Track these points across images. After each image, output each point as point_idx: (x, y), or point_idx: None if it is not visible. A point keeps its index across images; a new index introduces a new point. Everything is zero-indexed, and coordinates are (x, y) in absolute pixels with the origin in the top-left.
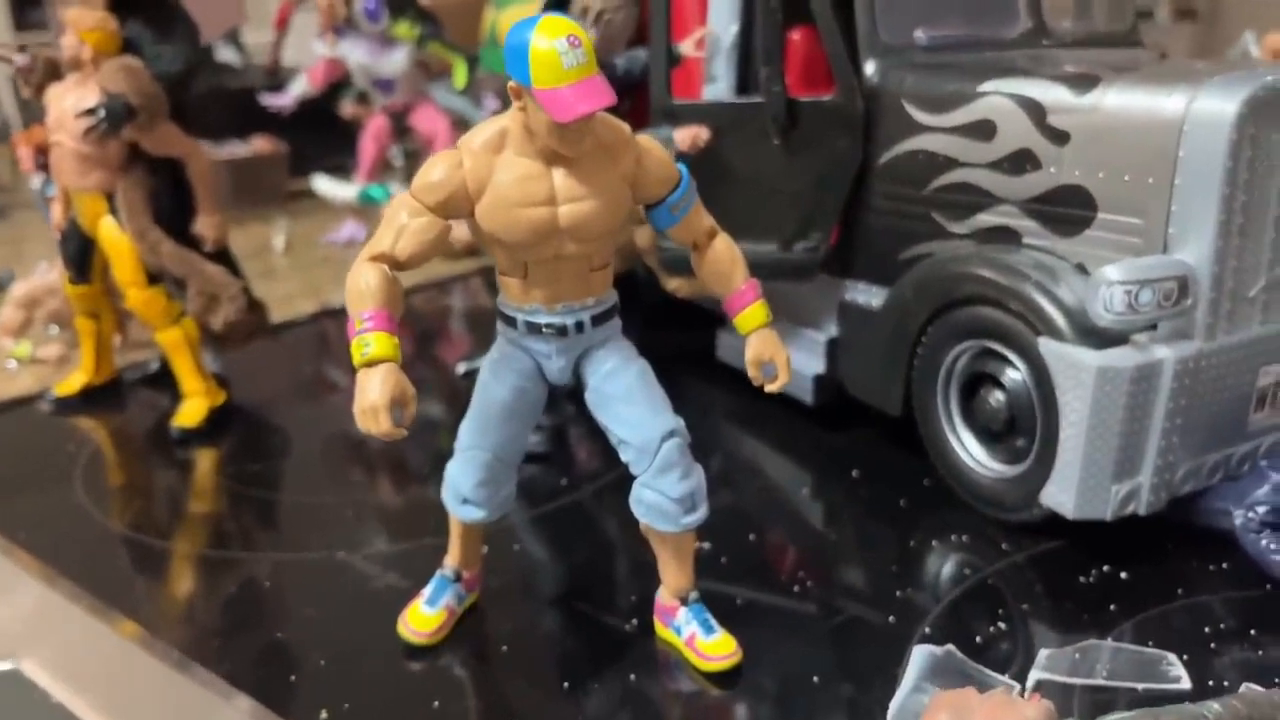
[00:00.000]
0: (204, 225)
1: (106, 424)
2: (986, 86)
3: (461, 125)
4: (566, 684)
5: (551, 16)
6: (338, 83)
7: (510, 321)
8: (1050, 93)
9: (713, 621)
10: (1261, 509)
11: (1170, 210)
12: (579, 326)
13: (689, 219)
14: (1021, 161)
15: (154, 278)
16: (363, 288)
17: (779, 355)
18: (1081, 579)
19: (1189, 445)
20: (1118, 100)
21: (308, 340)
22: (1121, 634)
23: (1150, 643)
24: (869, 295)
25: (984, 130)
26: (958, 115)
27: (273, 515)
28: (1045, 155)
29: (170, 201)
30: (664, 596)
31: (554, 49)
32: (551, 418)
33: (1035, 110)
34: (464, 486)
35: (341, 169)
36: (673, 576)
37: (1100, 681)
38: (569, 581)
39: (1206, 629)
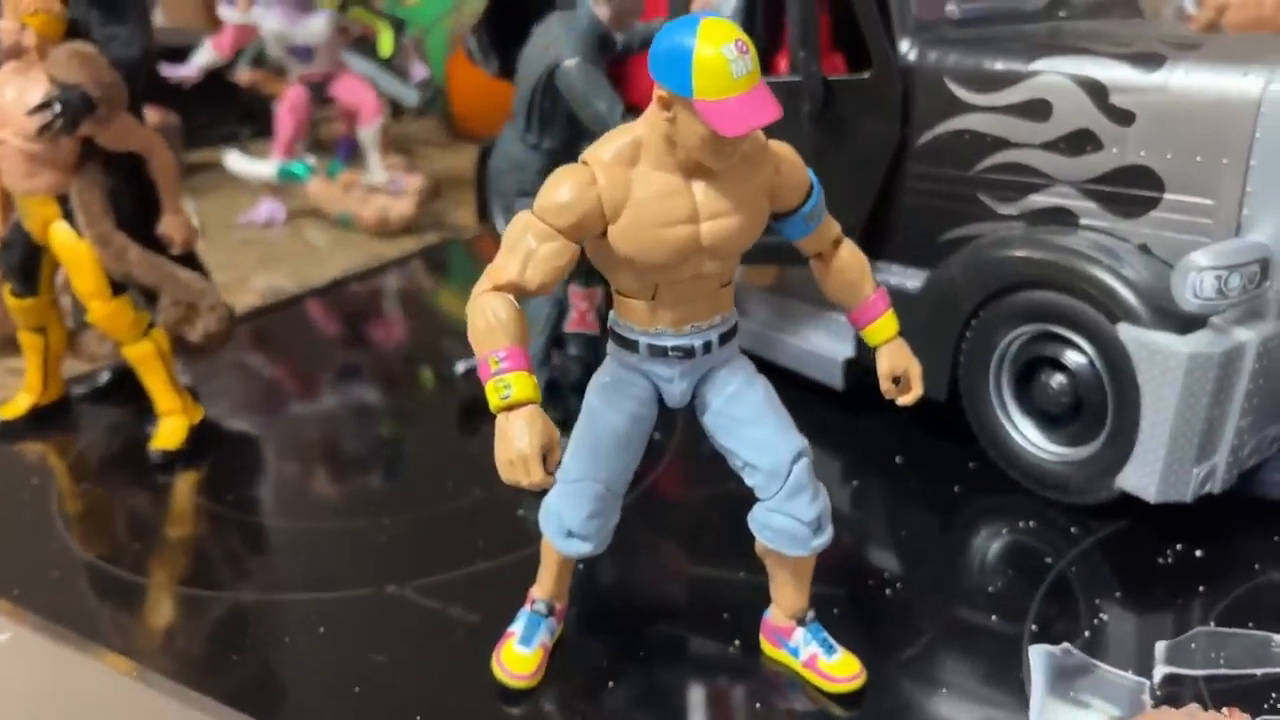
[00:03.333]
0: (170, 226)
1: (66, 449)
2: (1040, 65)
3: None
4: (690, 717)
5: (712, 19)
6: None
7: (630, 345)
8: (1112, 72)
9: (832, 641)
10: None
11: (1245, 191)
12: (707, 347)
13: (821, 227)
14: (1081, 141)
15: (119, 287)
16: (493, 322)
17: (913, 367)
18: (1160, 560)
19: (1257, 421)
20: (1187, 80)
21: (258, 336)
22: (1217, 615)
23: (1249, 623)
24: (904, 277)
25: (1038, 110)
26: (1009, 94)
27: (299, 546)
28: (1107, 135)
29: (130, 202)
30: (776, 617)
31: (722, 56)
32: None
33: (1096, 90)
34: (572, 520)
35: (236, 139)
36: (789, 598)
37: (1220, 670)
38: (648, 602)
39: None
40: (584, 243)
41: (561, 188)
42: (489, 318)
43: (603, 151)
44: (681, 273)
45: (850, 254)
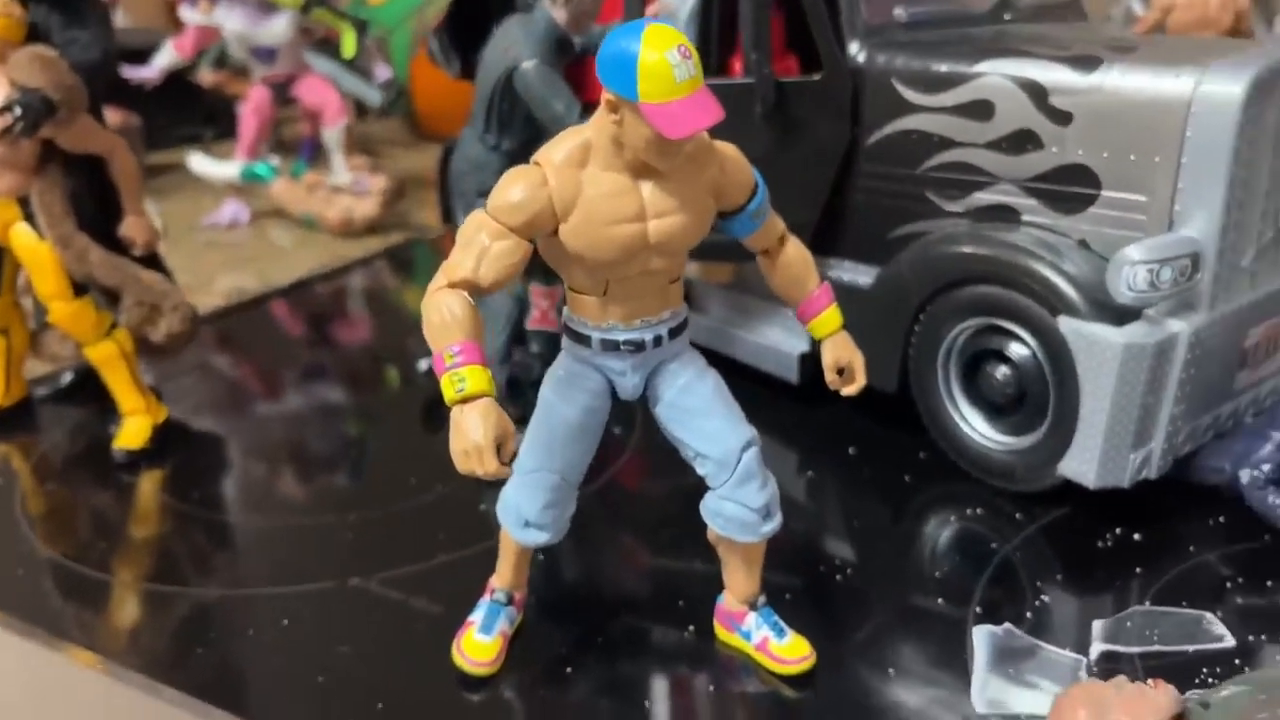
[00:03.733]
0: (132, 227)
1: (29, 450)
2: (983, 66)
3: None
4: (646, 702)
5: (657, 25)
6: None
7: (583, 340)
8: (1051, 73)
9: (783, 625)
10: (1266, 467)
11: (1177, 188)
12: (657, 341)
13: (766, 224)
14: (1022, 141)
15: (80, 288)
16: (448, 318)
17: (856, 359)
18: (1100, 544)
19: (1191, 409)
20: (1122, 81)
21: (223, 337)
22: (1153, 596)
23: (1183, 602)
24: (856, 274)
25: (982, 110)
26: (953, 95)
27: (263, 542)
28: (1047, 135)
29: (91, 204)
30: (729, 602)
31: (666, 61)
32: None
33: (1036, 91)
34: (529, 510)
35: (198, 140)
36: (741, 583)
37: (1155, 648)
38: (607, 590)
39: (1227, 584)
40: (536, 241)
41: (514, 188)
42: (444, 314)
43: (553, 153)
44: (630, 269)
45: (795, 250)
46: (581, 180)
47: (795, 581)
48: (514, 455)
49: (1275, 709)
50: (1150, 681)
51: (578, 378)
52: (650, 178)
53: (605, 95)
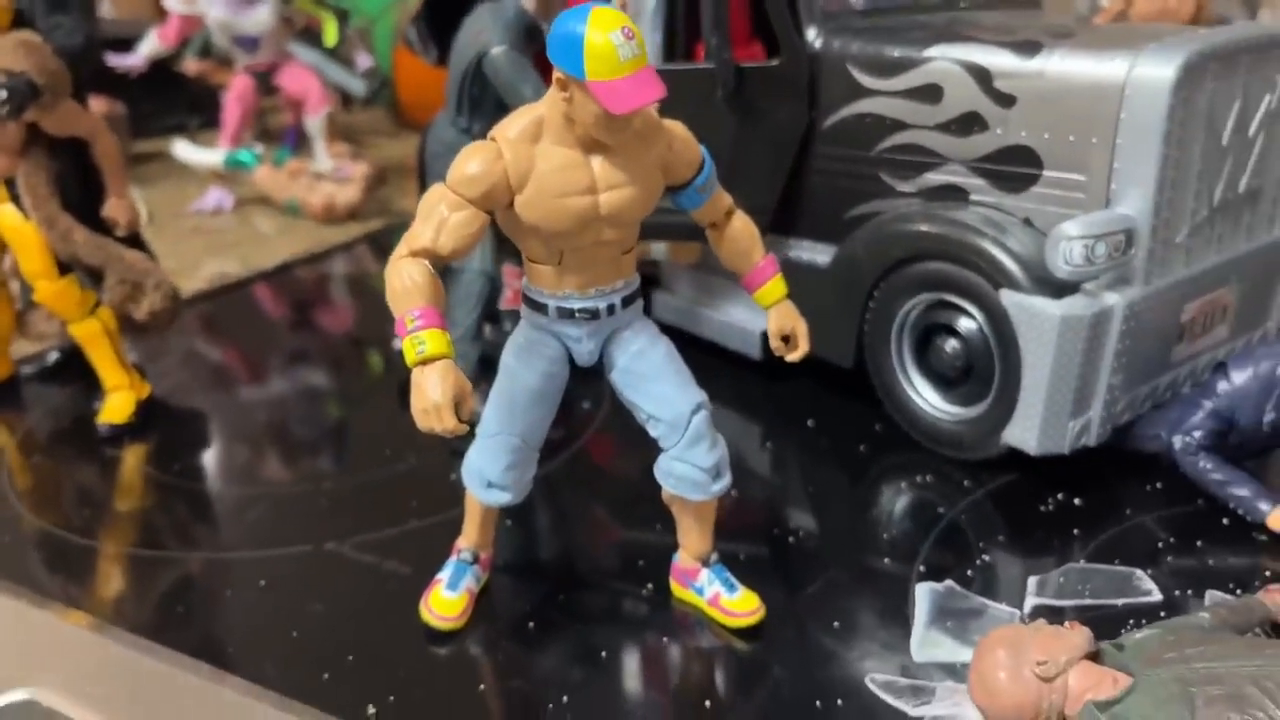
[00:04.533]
0: (115, 209)
1: (16, 426)
2: (932, 52)
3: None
4: (604, 653)
5: (602, 8)
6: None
7: (540, 308)
8: (995, 58)
9: (734, 580)
10: (1198, 434)
11: (1113, 167)
12: (610, 309)
13: (713, 199)
14: (969, 123)
15: (65, 268)
16: (408, 284)
17: (800, 326)
18: (1042, 508)
19: (1129, 380)
20: (1061, 65)
21: (206, 320)
22: (1089, 554)
23: (1116, 561)
24: (814, 253)
25: (931, 94)
26: (905, 79)
27: (243, 510)
28: (992, 117)
29: (75, 185)
30: (684, 560)
31: (610, 41)
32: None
33: (981, 75)
34: (491, 471)
35: (183, 129)
36: (694, 541)
37: (1086, 601)
38: (571, 553)
39: (1159, 544)
40: (494, 213)
41: (471, 162)
42: (405, 280)
43: (508, 129)
44: (583, 239)
45: (742, 224)
46: (535, 154)
47: (752, 545)
48: (472, 414)
49: (1183, 648)
50: (1067, 624)
51: (536, 344)
52: (601, 153)
53: (556, 74)
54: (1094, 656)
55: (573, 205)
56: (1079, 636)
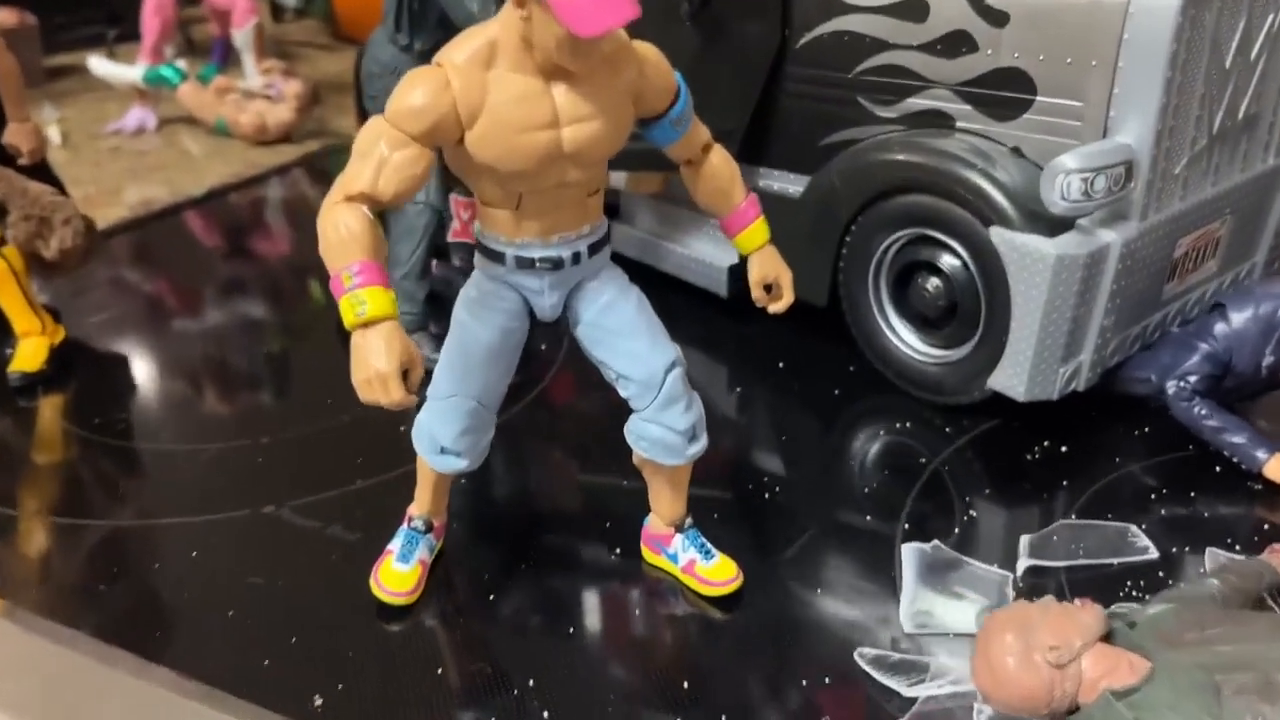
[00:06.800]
0: (16, 135)
1: None
2: None
3: None
4: (571, 629)
5: None
6: None
7: (496, 257)
8: None
9: (710, 546)
10: (1193, 378)
11: (1112, 93)
12: (575, 258)
13: (689, 133)
14: (956, 43)
15: None
16: (345, 235)
17: (784, 275)
18: (1028, 457)
19: (1120, 321)
20: None
21: (132, 250)
22: (1079, 508)
23: (1109, 515)
24: (785, 183)
25: (916, 10)
26: None
27: (173, 470)
28: (982, 36)
29: None
30: (655, 525)
31: None
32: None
33: None
34: (444, 436)
35: (100, 41)
36: (667, 505)
37: (1080, 561)
38: (533, 514)
39: (1151, 495)
40: (442, 150)
41: (414, 92)
42: (340, 231)
43: (456, 54)
44: (545, 181)
45: (721, 160)
46: (487, 83)
47: (723, 499)
48: (421, 383)
49: (1203, 628)
50: (1077, 601)
51: (492, 297)
52: (563, 81)
53: None
54: (1105, 637)
55: (532, 141)
56: (1090, 617)
